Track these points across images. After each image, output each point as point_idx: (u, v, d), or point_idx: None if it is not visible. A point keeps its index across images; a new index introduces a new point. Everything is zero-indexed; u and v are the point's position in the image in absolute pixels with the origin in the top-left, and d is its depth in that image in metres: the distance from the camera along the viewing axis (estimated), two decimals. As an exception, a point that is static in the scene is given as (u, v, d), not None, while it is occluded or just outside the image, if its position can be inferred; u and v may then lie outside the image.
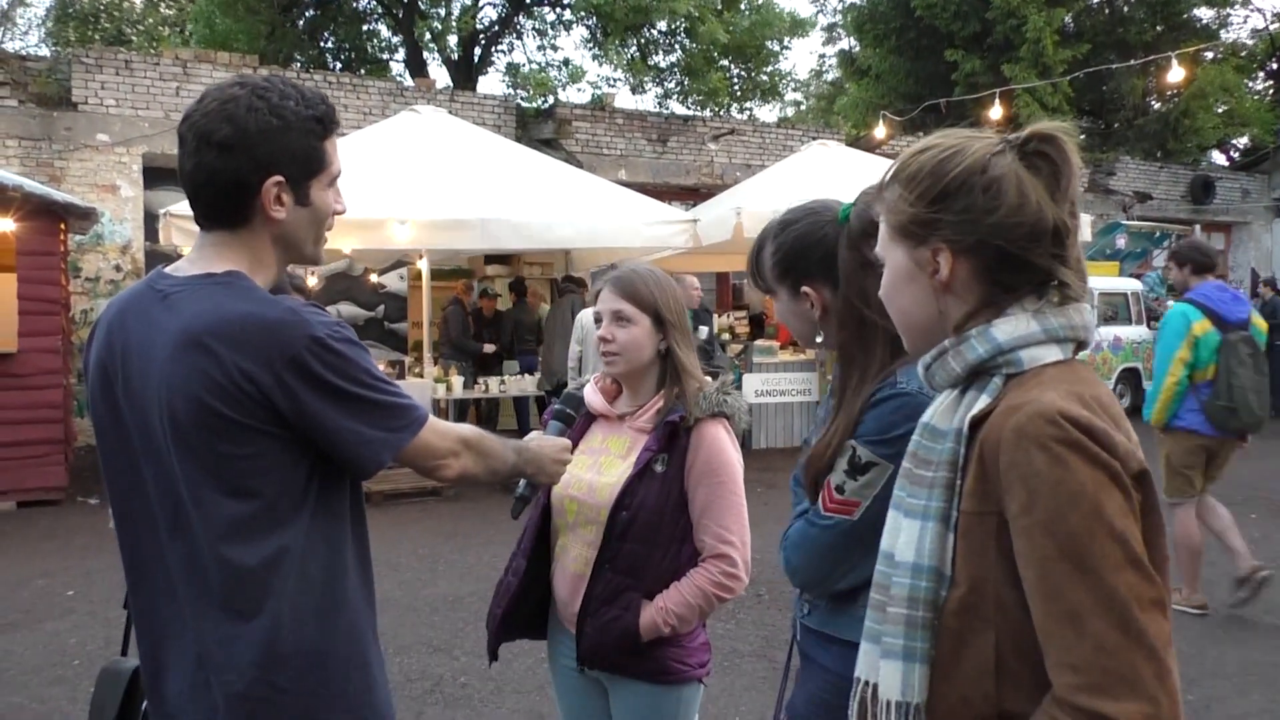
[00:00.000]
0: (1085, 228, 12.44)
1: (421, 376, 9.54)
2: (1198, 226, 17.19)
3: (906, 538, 1.29)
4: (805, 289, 1.90)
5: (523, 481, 2.10)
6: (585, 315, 7.76)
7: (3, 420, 8.14)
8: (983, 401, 1.27)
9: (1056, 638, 1.13)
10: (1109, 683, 1.10)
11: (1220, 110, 21.12)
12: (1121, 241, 15.13)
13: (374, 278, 12.70)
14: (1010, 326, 1.28)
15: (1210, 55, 20.33)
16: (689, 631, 2.24)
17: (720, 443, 2.20)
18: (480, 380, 10.02)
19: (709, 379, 2.30)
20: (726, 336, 12.53)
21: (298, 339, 1.52)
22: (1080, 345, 1.32)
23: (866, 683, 1.32)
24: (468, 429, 1.82)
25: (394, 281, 13.10)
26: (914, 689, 1.26)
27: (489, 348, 11.32)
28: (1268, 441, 11.41)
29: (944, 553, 1.26)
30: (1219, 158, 24.62)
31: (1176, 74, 12.66)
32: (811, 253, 1.88)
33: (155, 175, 11.32)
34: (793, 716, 1.88)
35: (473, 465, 1.79)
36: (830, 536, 1.74)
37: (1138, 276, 14.78)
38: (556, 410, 2.27)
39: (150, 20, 23.43)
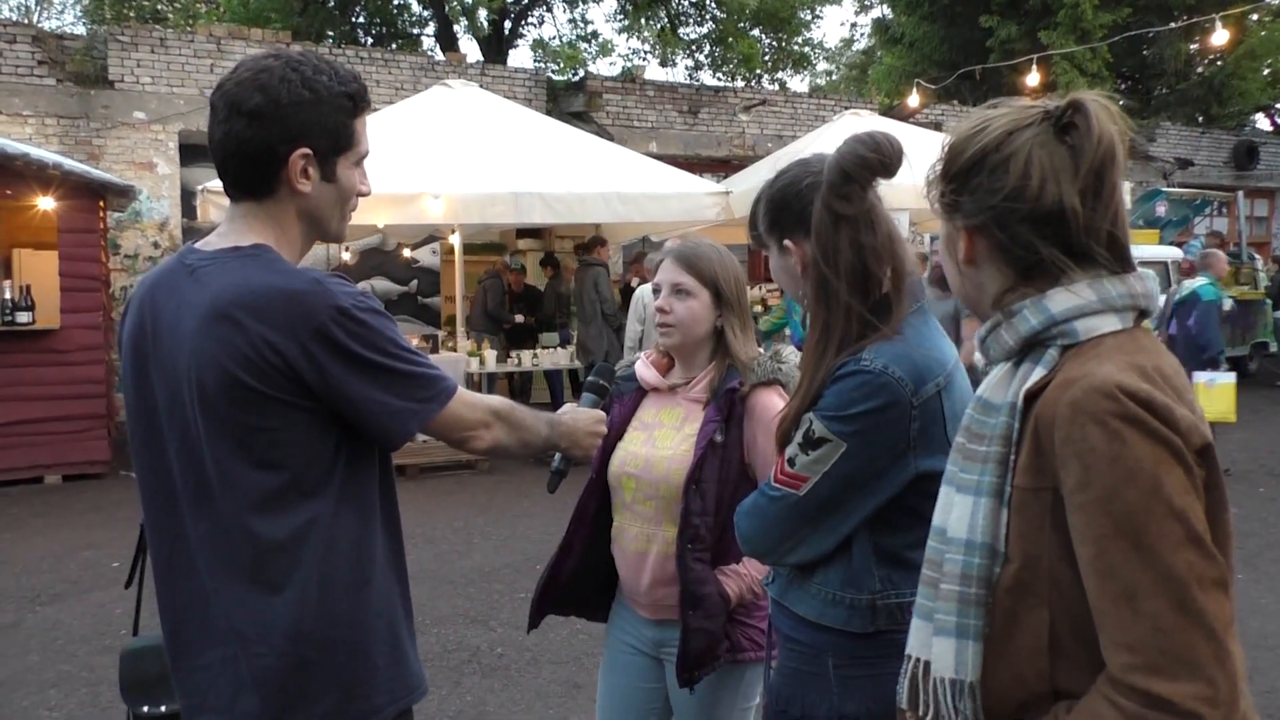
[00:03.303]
0: (1125, 195, 12.23)
1: (455, 350, 9.59)
2: (1240, 193, 16.82)
3: (959, 513, 1.26)
4: (787, 243, 1.81)
5: (558, 455, 2.08)
6: (644, 292, 7.71)
7: (47, 395, 8.30)
8: (1037, 374, 1.23)
9: (1112, 616, 1.10)
10: (1165, 663, 1.07)
11: (1265, 73, 20.63)
12: (1162, 209, 14.84)
13: (407, 252, 12.75)
14: (1065, 296, 1.24)
15: (1255, 17, 19.83)
16: (760, 608, 2.23)
17: (777, 409, 2.15)
18: (513, 353, 10.05)
19: (760, 350, 2.28)
20: (759, 309, 12.47)
21: (322, 309, 1.52)
22: (1143, 314, 1.27)
23: (918, 660, 1.30)
24: (498, 400, 1.81)
25: (427, 256, 13.14)
26: (967, 666, 1.24)
27: (519, 318, 11.36)
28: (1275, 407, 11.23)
29: (997, 529, 1.23)
30: (1263, 122, 24.07)
31: (1221, 36, 12.35)
32: (794, 204, 1.79)
33: (191, 152, 11.40)
34: (768, 689, 1.87)
35: (504, 437, 1.78)
36: (777, 509, 1.69)
37: (1179, 244, 14.50)
38: (589, 383, 2.25)
39: (184, -3, 23.52)
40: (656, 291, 2.29)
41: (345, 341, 1.54)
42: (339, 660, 1.60)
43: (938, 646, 1.26)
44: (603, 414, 2.09)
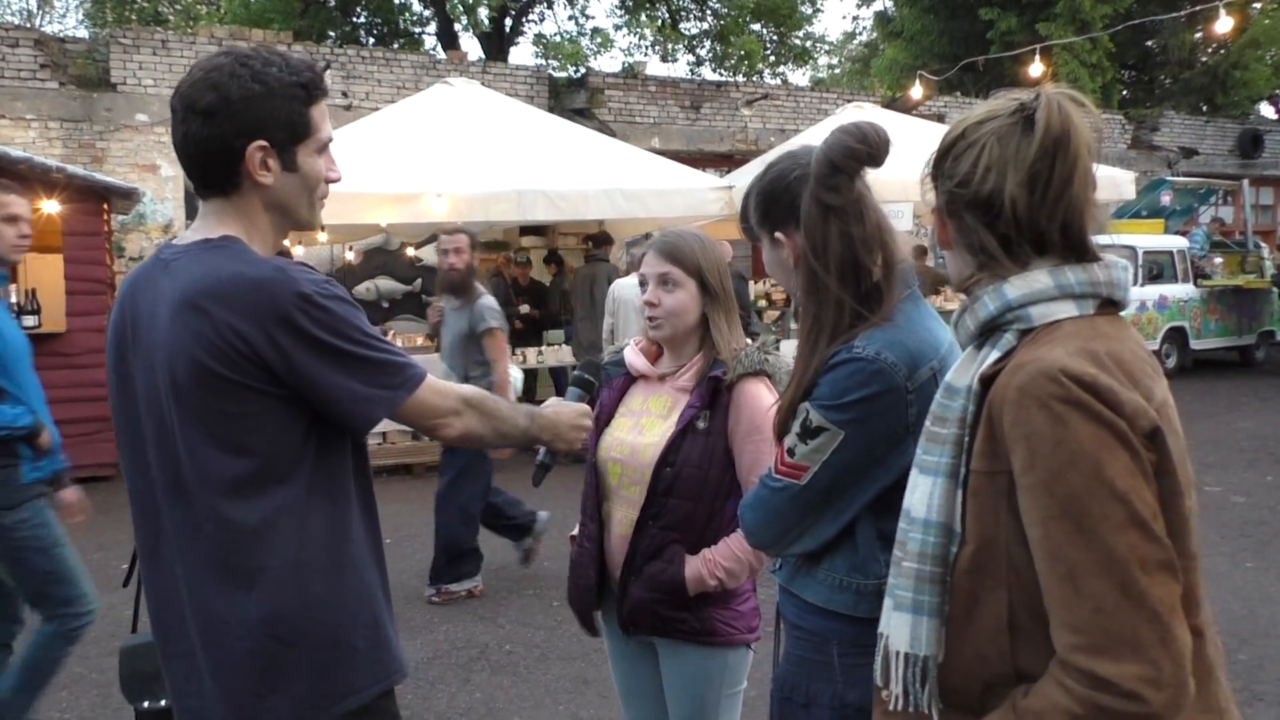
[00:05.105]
0: (1129, 185, 12.21)
1: (460, 349, 9.58)
2: (1245, 182, 16.76)
3: (920, 494, 1.30)
4: (779, 235, 1.81)
5: (542, 449, 2.09)
6: (617, 287, 7.71)
7: (53, 399, 8.13)
8: (993, 357, 1.26)
9: (1058, 597, 1.13)
10: (1108, 644, 1.09)
11: (1269, 61, 20.57)
12: (1166, 198, 14.80)
13: (411, 251, 12.76)
14: (1022, 282, 1.27)
15: (1258, 5, 19.76)
16: (738, 594, 2.25)
17: (762, 400, 2.17)
18: (518, 351, 10.05)
19: (748, 340, 2.29)
20: (763, 303, 12.46)
21: (286, 296, 1.55)
22: (1110, 302, 1.29)
23: (886, 637, 1.33)
24: (470, 389, 1.83)
25: (430, 255, 13.12)
26: (922, 641, 1.27)
27: (524, 308, 11.38)
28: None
29: (952, 508, 1.26)
30: (1267, 111, 23.98)
31: (1224, 24, 12.29)
32: (784, 197, 1.79)
33: (194, 154, 11.40)
34: (776, 676, 1.88)
35: (477, 425, 1.79)
36: (780, 499, 1.69)
37: (1184, 234, 14.46)
38: (575, 376, 2.25)
39: (186, -1, 23.54)
40: (643, 284, 2.29)
41: (309, 328, 1.56)
42: (316, 643, 1.63)
43: (895, 621, 1.30)
44: (587, 408, 2.09)
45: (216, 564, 1.60)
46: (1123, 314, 1.32)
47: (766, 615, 2.27)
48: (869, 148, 1.65)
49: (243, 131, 1.61)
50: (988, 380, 1.25)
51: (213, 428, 1.57)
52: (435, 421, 1.74)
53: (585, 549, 2.37)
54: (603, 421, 2.36)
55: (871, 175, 1.75)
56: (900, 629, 1.29)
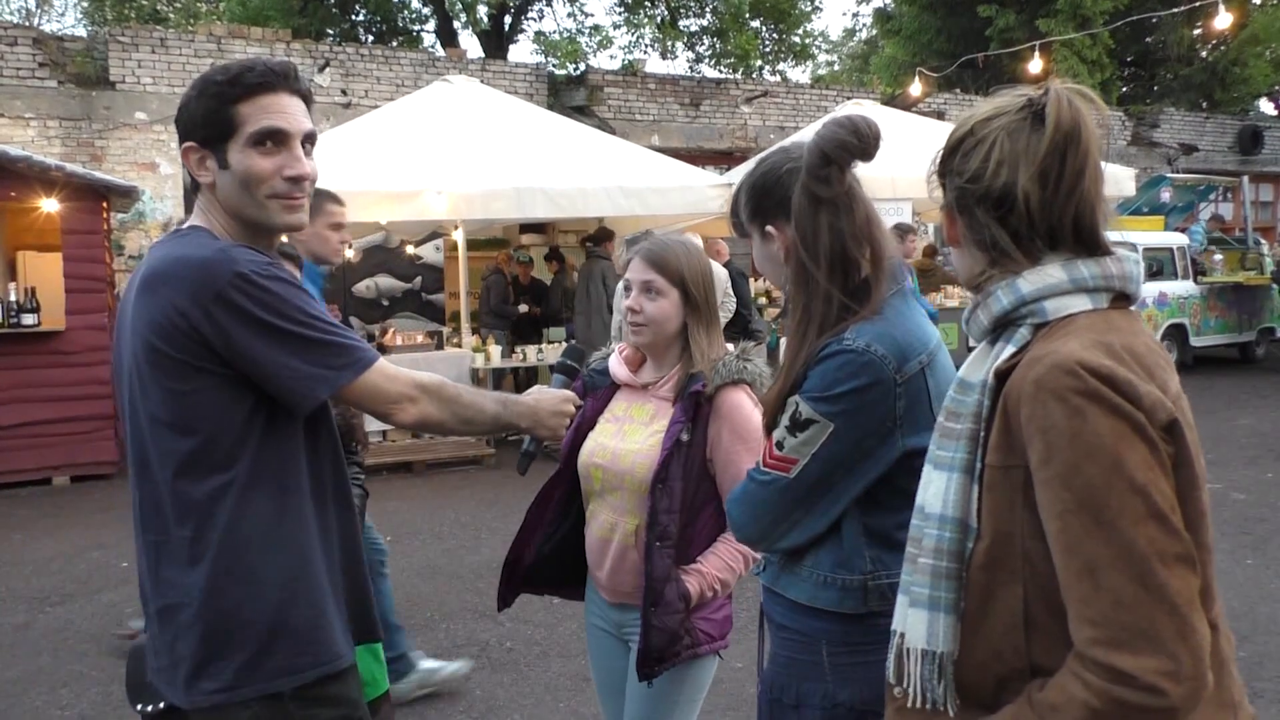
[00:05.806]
0: (1129, 181, 12.20)
1: (460, 346, 9.59)
2: (1245, 178, 16.76)
3: (935, 490, 1.29)
4: (770, 229, 1.81)
5: (528, 438, 2.10)
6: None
7: (54, 397, 8.31)
8: (1008, 352, 1.26)
9: (1076, 591, 1.12)
10: (1127, 637, 1.08)
11: (1268, 58, 20.57)
12: (1166, 195, 14.79)
13: (410, 249, 12.74)
14: (1036, 277, 1.27)
15: (1258, 1, 19.75)
16: (714, 602, 2.25)
17: (744, 408, 2.17)
18: (517, 349, 10.04)
19: (729, 346, 2.29)
20: (763, 301, 12.45)
21: (223, 275, 1.60)
22: (1122, 296, 1.28)
23: (901, 635, 1.33)
24: (428, 376, 1.84)
25: (430, 253, 13.12)
26: (939, 638, 1.27)
27: (523, 307, 11.39)
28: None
29: (968, 504, 1.26)
30: (1267, 107, 23.97)
31: (1224, 20, 12.29)
32: (775, 191, 1.78)
33: (193, 152, 11.41)
34: (762, 678, 1.88)
35: (436, 412, 1.81)
36: (768, 493, 1.69)
37: (1183, 230, 14.45)
38: (559, 363, 2.27)
39: (184, -3, 23.51)
40: (628, 290, 2.29)
41: (246, 305, 1.61)
42: (252, 618, 1.67)
43: (911, 618, 1.29)
44: (571, 394, 2.09)
45: (171, 536, 1.67)
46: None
47: (750, 617, 2.26)
48: (860, 141, 1.66)
49: (180, 137, 1.74)
50: (1003, 375, 1.24)
51: (164, 406, 1.64)
52: (388, 406, 1.77)
53: (520, 538, 2.40)
54: (586, 427, 2.37)
55: (872, 171, 1.75)
56: (917, 626, 1.28)
